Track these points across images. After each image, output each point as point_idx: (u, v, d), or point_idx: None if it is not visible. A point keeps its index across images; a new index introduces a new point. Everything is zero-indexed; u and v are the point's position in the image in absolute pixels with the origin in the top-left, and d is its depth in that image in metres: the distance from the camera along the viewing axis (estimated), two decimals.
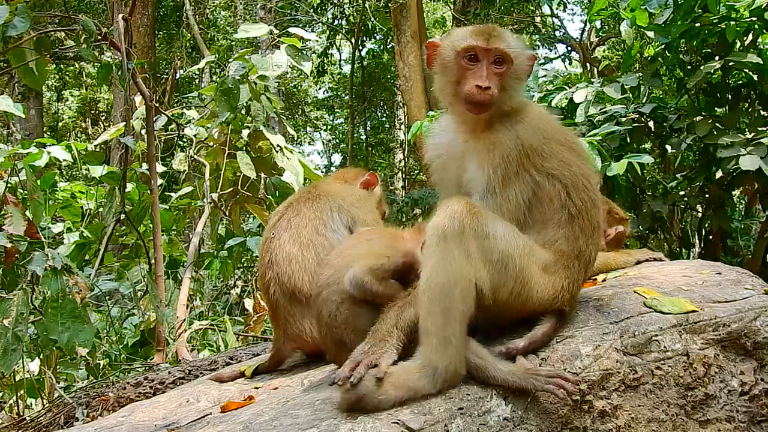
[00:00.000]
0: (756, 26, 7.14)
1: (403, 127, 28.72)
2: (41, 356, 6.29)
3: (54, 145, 9.18)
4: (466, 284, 3.09)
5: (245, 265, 12.15)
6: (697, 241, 8.25)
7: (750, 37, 7.38)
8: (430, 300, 3.06)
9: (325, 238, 4.20)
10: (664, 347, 3.31)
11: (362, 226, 4.31)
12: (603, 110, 7.93)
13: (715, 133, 7.02)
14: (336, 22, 28.22)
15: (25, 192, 6.28)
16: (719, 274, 3.98)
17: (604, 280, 4.19)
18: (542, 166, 3.48)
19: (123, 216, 7.58)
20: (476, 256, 3.12)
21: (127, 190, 7.86)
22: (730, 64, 7.18)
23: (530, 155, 3.47)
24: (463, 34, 3.71)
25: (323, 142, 38.65)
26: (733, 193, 8.42)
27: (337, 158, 37.25)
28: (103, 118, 31.23)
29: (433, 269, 3.09)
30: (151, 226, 7.73)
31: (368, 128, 33.33)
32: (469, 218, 3.13)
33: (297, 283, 4.08)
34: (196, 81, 27.55)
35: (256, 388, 3.94)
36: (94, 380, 6.69)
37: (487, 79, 3.53)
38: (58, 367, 6.55)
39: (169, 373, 5.45)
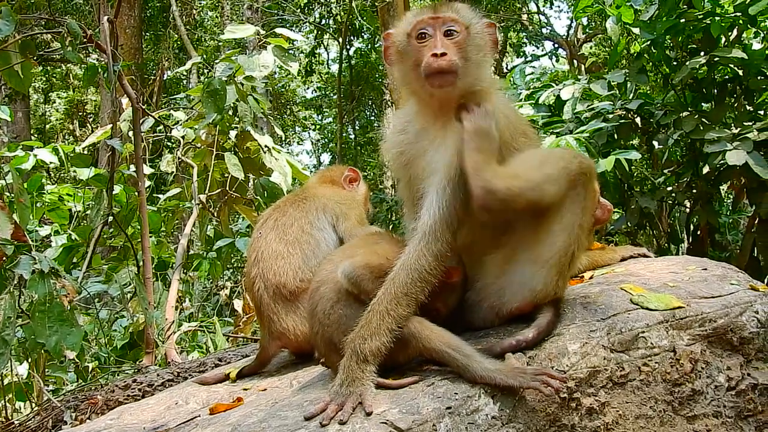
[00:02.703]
0: (740, 22, 7.17)
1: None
2: (29, 360, 6.27)
3: (41, 147, 9.15)
4: None
5: (235, 265, 12.14)
6: (686, 237, 8.28)
7: (735, 32, 7.42)
8: None
9: (311, 236, 4.22)
10: (651, 344, 3.31)
11: (346, 223, 4.33)
12: (590, 107, 7.96)
13: (701, 128, 7.04)
14: (323, 21, 28.22)
15: (12, 195, 6.26)
16: (705, 269, 4.00)
17: (591, 278, 4.19)
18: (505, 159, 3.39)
19: (111, 218, 7.56)
20: None
21: (114, 192, 7.84)
22: (716, 59, 7.20)
23: (502, 145, 3.38)
24: (412, 14, 3.61)
25: (312, 142, 38.71)
26: (721, 188, 8.44)
27: (326, 158, 37.29)
28: (91, 119, 31.13)
29: None
30: (139, 228, 7.71)
31: (357, 127, 33.34)
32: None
33: (281, 279, 4.08)
34: (184, 81, 27.50)
35: (245, 389, 3.93)
36: (83, 383, 6.67)
37: (441, 47, 3.37)
38: (46, 370, 6.53)
39: (158, 375, 5.43)
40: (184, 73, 24.75)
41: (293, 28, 26.29)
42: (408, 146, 3.62)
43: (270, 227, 4.24)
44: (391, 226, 17.58)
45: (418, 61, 3.42)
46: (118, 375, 6.75)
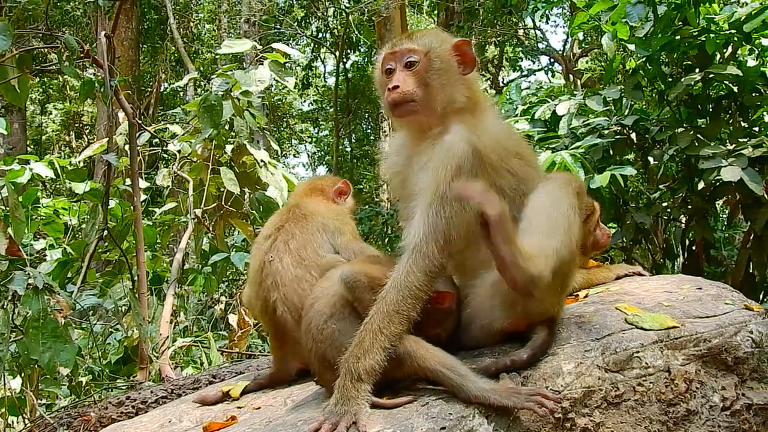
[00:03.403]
0: (735, 39, 7.20)
1: (387, 139, 28.74)
2: (22, 375, 6.24)
3: (37, 161, 9.14)
4: None
5: (230, 278, 12.11)
6: (681, 252, 8.28)
7: (729, 49, 7.44)
8: None
9: (324, 258, 4.21)
10: (646, 363, 3.31)
11: (342, 237, 4.33)
12: (586, 122, 7.97)
13: (696, 144, 7.05)
14: (320, 35, 28.28)
15: (7, 209, 6.24)
16: (700, 289, 4.00)
17: (586, 296, 4.19)
18: (496, 182, 3.43)
19: (106, 232, 7.54)
20: None
21: (110, 206, 7.82)
22: (711, 76, 7.22)
23: (489, 163, 3.43)
24: (381, 51, 3.77)
25: (308, 155, 38.63)
26: (716, 203, 8.45)
27: (322, 170, 37.24)
28: (87, 131, 31.14)
29: None
30: (134, 242, 7.69)
31: (353, 140, 33.34)
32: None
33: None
34: (181, 94, 27.52)
35: (239, 407, 3.91)
36: (77, 399, 6.64)
37: (396, 80, 3.52)
38: (39, 385, 6.50)
39: (152, 392, 5.41)
40: (181, 86, 24.75)
41: (290, 42, 26.36)
42: (402, 167, 3.74)
43: (283, 251, 4.19)
44: (386, 240, 17.55)
45: (384, 95, 3.61)
46: (111, 391, 6.72)
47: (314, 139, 38.03)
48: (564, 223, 3.30)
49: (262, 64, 8.16)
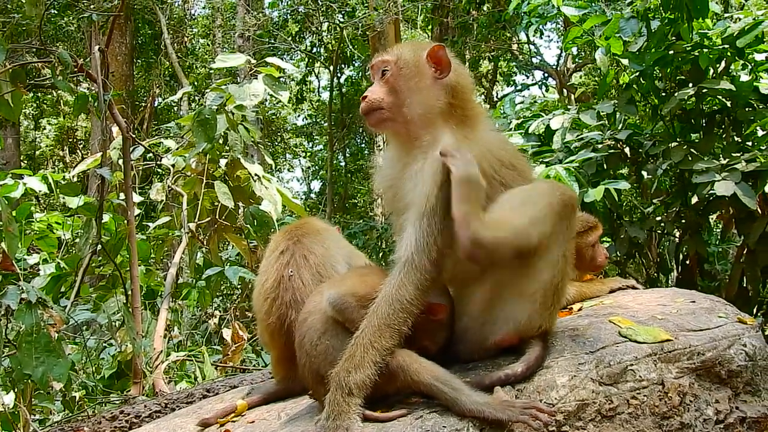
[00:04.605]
0: (728, 53, 7.23)
1: (381, 153, 28.76)
2: (15, 389, 6.22)
3: (30, 176, 9.13)
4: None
5: (224, 293, 12.10)
6: (675, 266, 8.29)
7: (722, 64, 7.47)
8: None
9: (339, 273, 4.18)
10: (640, 377, 3.31)
11: (344, 249, 4.33)
12: (579, 137, 7.98)
13: (690, 158, 7.06)
14: (314, 50, 28.34)
15: (1, 224, 6.24)
16: (693, 302, 4.00)
17: (579, 309, 4.20)
18: (488, 193, 3.39)
19: (99, 247, 7.53)
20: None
21: (103, 220, 7.81)
22: (704, 90, 7.25)
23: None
24: None
25: (303, 169, 38.67)
26: (710, 218, 8.47)
27: (316, 185, 37.29)
28: (81, 146, 31.12)
29: None
30: (128, 256, 7.69)
31: (347, 155, 33.38)
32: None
33: None
34: (175, 109, 27.53)
35: (233, 421, 3.91)
36: (70, 413, 6.62)
37: (367, 91, 3.64)
38: (33, 400, 6.48)
39: (146, 406, 5.39)
40: (175, 101, 24.77)
41: (285, 57, 26.40)
42: (394, 180, 3.74)
43: (303, 266, 4.09)
44: (381, 254, 17.56)
45: None
46: (105, 405, 6.70)
47: (308, 154, 38.05)
48: (532, 212, 3.29)
49: (257, 78, 8.18)
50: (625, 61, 7.75)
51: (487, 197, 3.36)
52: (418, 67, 3.66)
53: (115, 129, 8.68)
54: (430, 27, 25.68)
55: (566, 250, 3.41)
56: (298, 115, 36.65)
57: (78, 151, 31.44)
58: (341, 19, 23.83)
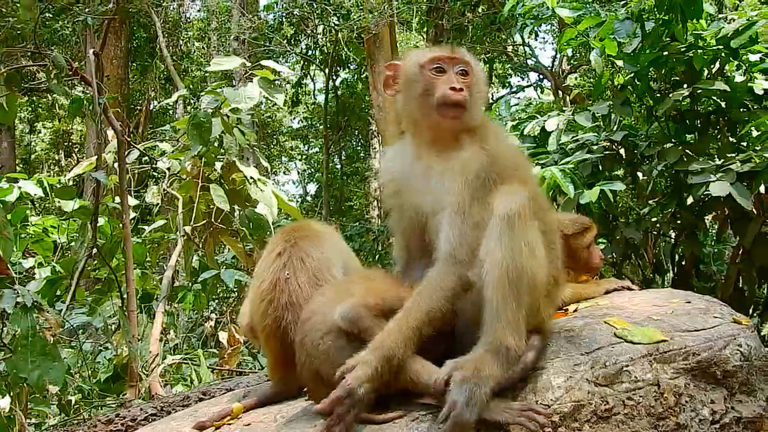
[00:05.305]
0: (723, 54, 7.23)
1: (377, 155, 28.76)
2: (11, 394, 6.21)
3: (26, 179, 9.13)
4: (530, 275, 3.19)
5: (220, 296, 12.09)
6: (671, 267, 8.28)
7: (717, 64, 7.46)
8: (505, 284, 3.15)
9: (335, 278, 4.17)
10: (635, 377, 3.31)
11: (353, 261, 4.34)
12: (575, 138, 7.97)
13: (685, 159, 7.06)
14: (310, 52, 28.32)
15: None
16: (689, 302, 4.00)
17: (575, 311, 4.19)
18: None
19: (95, 250, 7.53)
20: (536, 251, 3.24)
21: (99, 224, 7.80)
22: (699, 91, 7.24)
23: (501, 173, 3.48)
24: (426, 50, 3.82)
25: (298, 172, 38.62)
26: (705, 218, 8.46)
27: (312, 188, 37.27)
28: (77, 150, 31.09)
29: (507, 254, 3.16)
30: (123, 260, 7.68)
31: (343, 157, 33.39)
32: (530, 211, 3.23)
33: None
34: (170, 112, 27.51)
35: (229, 424, 3.90)
36: (66, 417, 6.61)
37: (457, 83, 3.59)
38: (29, 404, 6.47)
39: (141, 409, 5.39)
40: (171, 104, 24.76)
41: (280, 59, 26.38)
42: (400, 174, 3.80)
43: (299, 269, 4.09)
44: (377, 256, 17.56)
45: (429, 91, 3.63)
46: (101, 409, 6.69)
47: (304, 157, 38.01)
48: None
49: (252, 81, 8.16)
50: (619, 63, 7.75)
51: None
52: (485, 81, 3.85)
53: (110, 132, 8.68)
54: (425, 29, 25.66)
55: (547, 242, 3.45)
56: (294, 118, 36.63)
57: (73, 154, 31.42)
58: (336, 22, 23.79)
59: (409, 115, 3.79)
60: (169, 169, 9.05)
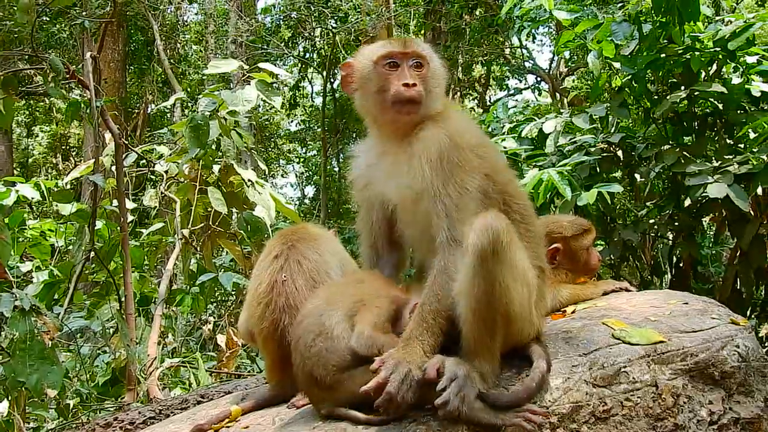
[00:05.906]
0: (720, 56, 7.23)
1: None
2: (9, 397, 6.20)
3: (23, 183, 9.12)
4: (504, 312, 3.16)
5: (218, 299, 12.07)
6: (668, 269, 8.28)
7: (714, 67, 7.47)
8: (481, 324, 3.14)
9: (333, 280, 4.17)
10: (633, 378, 3.32)
11: (339, 255, 4.33)
12: (572, 140, 7.98)
13: (682, 161, 7.07)
14: (307, 55, 28.33)
15: None
16: (686, 304, 4.01)
17: (573, 312, 4.20)
18: (478, 165, 3.50)
19: (93, 254, 7.52)
20: (509, 281, 3.16)
21: (97, 227, 7.80)
22: (696, 93, 7.25)
23: (465, 151, 3.49)
24: (378, 45, 3.81)
25: (296, 175, 38.59)
26: (703, 220, 8.47)
27: (309, 190, 37.24)
28: (74, 153, 31.08)
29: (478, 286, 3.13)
30: (121, 263, 7.67)
31: (341, 160, 33.35)
32: (506, 239, 3.15)
33: None
34: (168, 115, 27.50)
35: (227, 427, 3.90)
36: (64, 421, 6.60)
37: (410, 78, 3.58)
38: (27, 408, 6.46)
39: (140, 413, 5.38)
40: (168, 107, 24.74)
41: (277, 62, 26.38)
42: (367, 168, 3.87)
43: (296, 272, 4.08)
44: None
45: (383, 88, 3.64)
46: (99, 412, 6.68)
47: (302, 159, 37.97)
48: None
49: (249, 84, 8.16)
50: (617, 65, 7.75)
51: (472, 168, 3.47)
52: (442, 72, 3.82)
53: (107, 135, 8.67)
54: (422, 32, 25.69)
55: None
56: (291, 121, 36.59)
57: (71, 158, 31.41)
58: (334, 25, 23.83)
59: (368, 112, 3.83)
60: (166, 172, 9.04)
